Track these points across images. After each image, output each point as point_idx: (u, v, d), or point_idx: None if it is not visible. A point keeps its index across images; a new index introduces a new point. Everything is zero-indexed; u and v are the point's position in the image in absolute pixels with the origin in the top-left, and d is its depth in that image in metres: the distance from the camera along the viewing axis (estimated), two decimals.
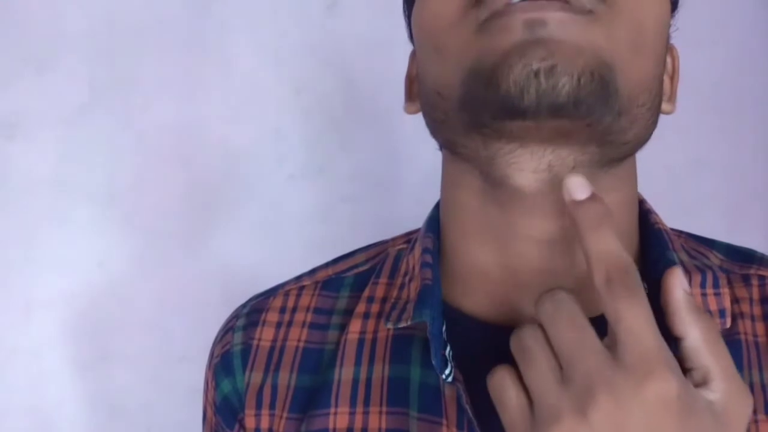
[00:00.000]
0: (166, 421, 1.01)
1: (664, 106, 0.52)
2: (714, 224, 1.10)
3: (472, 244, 0.50)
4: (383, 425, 0.49)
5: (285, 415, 0.52)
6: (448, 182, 0.52)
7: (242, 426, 0.54)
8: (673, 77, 0.53)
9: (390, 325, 0.51)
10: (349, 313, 0.54)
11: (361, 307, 0.54)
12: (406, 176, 1.05)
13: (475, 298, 0.50)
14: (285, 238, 1.03)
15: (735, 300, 0.51)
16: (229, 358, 0.56)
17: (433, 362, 0.47)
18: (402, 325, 0.50)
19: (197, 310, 1.01)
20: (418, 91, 0.52)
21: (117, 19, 1.01)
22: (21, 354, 0.98)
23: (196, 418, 0.97)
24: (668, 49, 0.53)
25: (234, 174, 1.04)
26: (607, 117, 0.42)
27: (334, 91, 1.06)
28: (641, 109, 0.44)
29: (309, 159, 1.05)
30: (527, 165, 0.44)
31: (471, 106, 0.43)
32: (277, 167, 1.05)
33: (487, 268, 0.49)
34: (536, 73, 0.40)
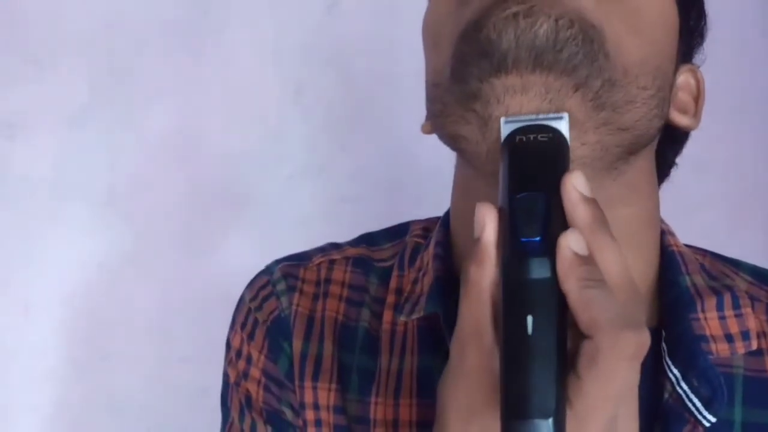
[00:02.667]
0: (166, 421, 1.01)
1: (685, 119, 0.51)
2: (714, 224, 1.10)
3: None
4: (413, 417, 0.50)
5: (333, 387, 0.52)
6: (458, 190, 0.53)
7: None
8: (698, 98, 0.53)
9: (403, 318, 0.52)
10: (381, 302, 0.54)
11: (391, 298, 0.54)
12: (406, 176, 1.05)
13: None
14: (285, 238, 1.03)
15: (763, 333, 0.50)
16: (283, 322, 0.55)
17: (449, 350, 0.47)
18: (414, 316, 0.51)
19: (197, 310, 1.01)
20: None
21: (117, 19, 1.01)
22: (21, 354, 0.98)
23: (197, 418, 0.97)
24: (692, 70, 0.53)
25: (234, 174, 1.04)
26: (595, 80, 0.41)
27: (334, 91, 1.06)
28: (642, 92, 0.44)
29: (309, 159, 1.05)
30: None
31: (459, 68, 0.43)
32: (277, 167, 1.05)
33: None
34: (515, 15, 0.41)
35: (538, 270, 0.34)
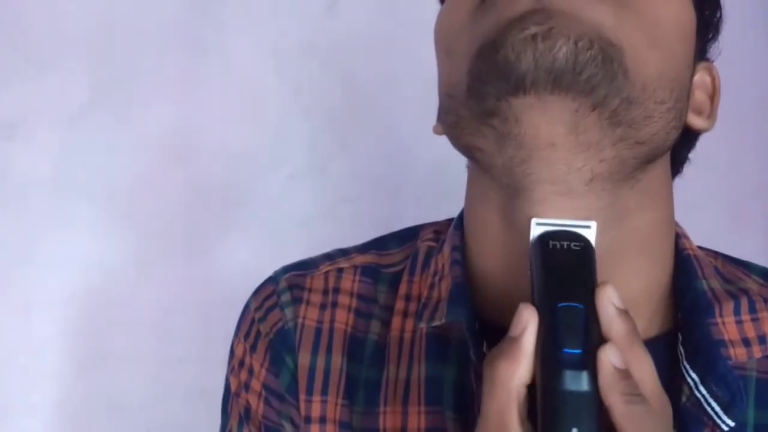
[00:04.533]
0: (166, 421, 1.01)
1: (700, 121, 0.51)
2: (714, 224, 1.10)
3: (491, 261, 0.50)
4: (422, 424, 0.50)
5: (339, 401, 0.52)
6: (472, 196, 0.52)
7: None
8: (714, 97, 0.53)
9: (423, 325, 0.51)
10: (389, 309, 0.54)
11: (400, 305, 0.54)
12: (406, 176, 1.05)
13: (492, 308, 0.50)
14: (285, 238, 1.03)
15: None
16: (286, 335, 0.54)
17: (473, 357, 0.47)
18: (436, 323, 0.50)
19: (197, 310, 1.01)
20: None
21: (117, 19, 1.01)
22: (21, 354, 0.98)
23: (196, 419, 0.97)
24: (708, 68, 0.53)
25: (234, 174, 1.04)
26: (613, 99, 0.41)
27: (334, 91, 1.06)
28: (659, 106, 0.44)
29: (309, 159, 1.05)
30: (542, 174, 0.43)
31: (475, 86, 0.43)
32: (277, 167, 1.05)
33: (505, 286, 0.49)
34: (533, 37, 0.40)
35: (580, 382, 0.36)
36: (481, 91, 0.43)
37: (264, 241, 1.03)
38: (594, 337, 0.38)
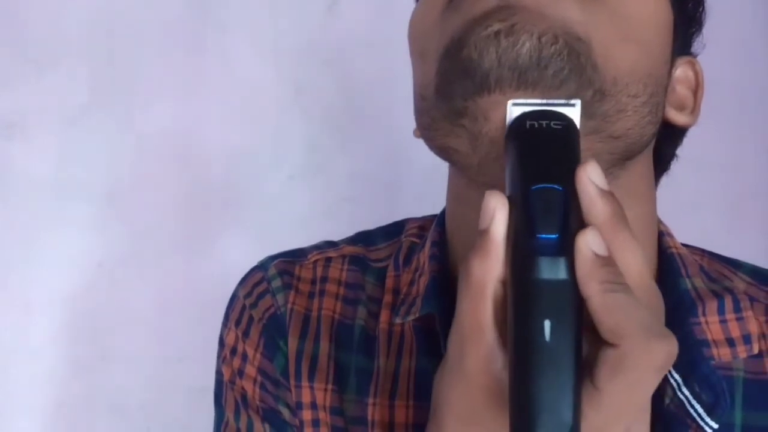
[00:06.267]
0: (166, 421, 1.01)
1: (682, 117, 0.50)
2: (714, 224, 1.10)
3: None
4: (409, 419, 0.49)
5: (329, 387, 0.52)
6: (452, 196, 0.52)
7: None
8: (697, 91, 0.52)
9: (399, 320, 0.51)
10: (378, 302, 0.54)
11: (388, 298, 0.53)
12: (406, 176, 1.05)
13: None
14: (285, 238, 1.03)
15: (762, 335, 0.50)
16: (279, 320, 0.54)
17: (443, 352, 0.46)
18: (410, 318, 0.50)
19: (197, 310, 1.01)
20: None
21: (117, 20, 1.01)
22: (21, 354, 0.98)
23: (196, 418, 0.97)
24: (691, 63, 0.52)
25: (234, 174, 1.04)
26: (585, 91, 0.40)
27: (334, 91, 1.06)
28: (633, 100, 0.43)
29: (309, 159, 1.05)
30: None
31: (443, 85, 0.43)
32: (277, 167, 1.05)
33: None
34: (496, 34, 0.40)
35: (556, 270, 0.32)
36: (448, 91, 0.42)
37: (264, 241, 1.03)
38: (575, 222, 0.33)
